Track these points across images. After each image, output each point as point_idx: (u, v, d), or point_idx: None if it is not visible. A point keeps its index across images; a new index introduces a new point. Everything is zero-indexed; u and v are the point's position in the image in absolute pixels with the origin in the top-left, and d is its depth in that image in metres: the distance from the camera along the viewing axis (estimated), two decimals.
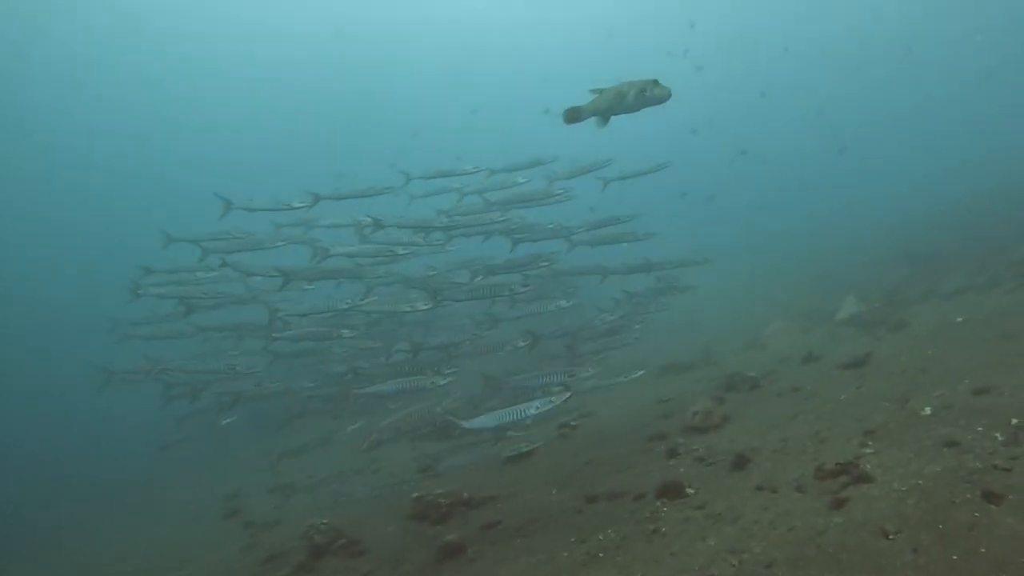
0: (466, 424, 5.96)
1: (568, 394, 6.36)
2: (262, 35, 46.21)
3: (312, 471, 11.21)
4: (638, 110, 5.05)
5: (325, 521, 7.16)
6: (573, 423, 9.42)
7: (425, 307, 8.95)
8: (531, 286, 9.35)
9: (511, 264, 9.49)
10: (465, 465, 7.72)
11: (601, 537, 5.14)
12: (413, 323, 11.30)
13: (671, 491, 5.52)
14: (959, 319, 8.31)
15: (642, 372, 8.80)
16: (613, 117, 5.10)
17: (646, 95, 4.92)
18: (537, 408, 5.64)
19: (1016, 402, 5.13)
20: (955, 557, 3.42)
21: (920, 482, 4.30)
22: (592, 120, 5.16)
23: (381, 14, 46.82)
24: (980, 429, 4.85)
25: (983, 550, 3.41)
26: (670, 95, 4.97)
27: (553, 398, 5.82)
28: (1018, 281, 9.21)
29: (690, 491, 5.50)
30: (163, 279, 10.23)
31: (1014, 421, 4.79)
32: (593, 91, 5.12)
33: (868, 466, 4.78)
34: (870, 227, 22.08)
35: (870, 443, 5.29)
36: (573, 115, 5.21)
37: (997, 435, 4.68)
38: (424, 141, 37.65)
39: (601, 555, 4.87)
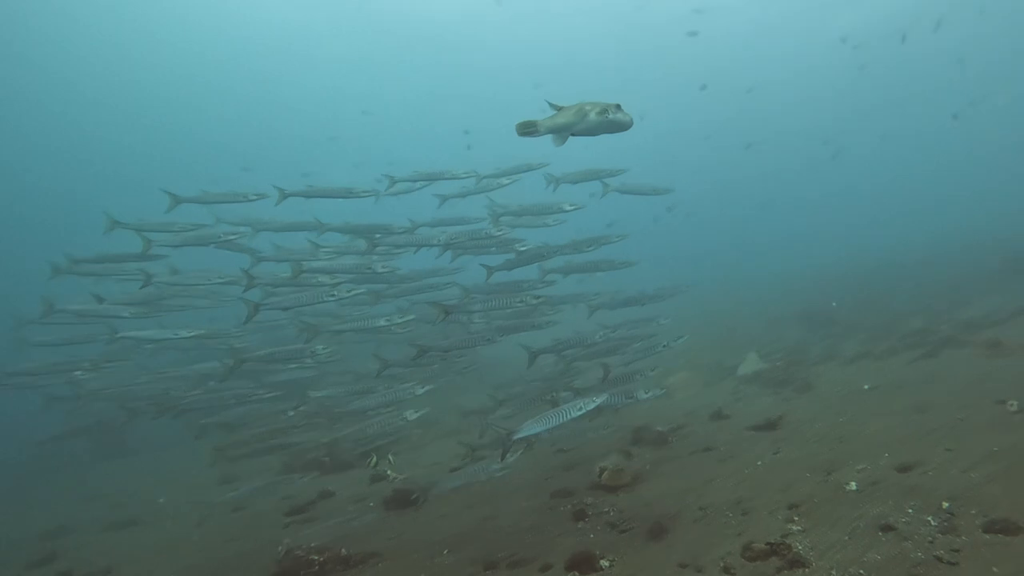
0: (518, 434, 5.31)
1: (606, 395, 6.16)
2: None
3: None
4: (598, 134, 4.58)
5: None
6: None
7: (402, 321, 8.43)
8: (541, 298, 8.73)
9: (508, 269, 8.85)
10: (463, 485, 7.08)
11: None
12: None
13: (583, 563, 4.87)
14: (866, 386, 8.31)
15: (663, 391, 8.11)
16: (571, 137, 4.56)
17: (609, 117, 4.47)
18: (580, 408, 5.43)
19: (942, 483, 4.89)
20: None
21: (863, 572, 3.87)
22: (548, 137, 4.61)
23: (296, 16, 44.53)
24: (911, 511, 4.54)
25: None
26: (632, 123, 4.53)
27: (594, 397, 5.61)
28: (915, 352, 9.46)
29: (604, 563, 4.87)
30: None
31: (945, 505, 4.52)
32: (552, 106, 4.61)
33: (799, 547, 4.34)
34: (771, 289, 22.98)
35: (796, 518, 4.89)
36: (527, 128, 4.65)
37: (930, 519, 4.37)
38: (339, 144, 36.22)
39: None
